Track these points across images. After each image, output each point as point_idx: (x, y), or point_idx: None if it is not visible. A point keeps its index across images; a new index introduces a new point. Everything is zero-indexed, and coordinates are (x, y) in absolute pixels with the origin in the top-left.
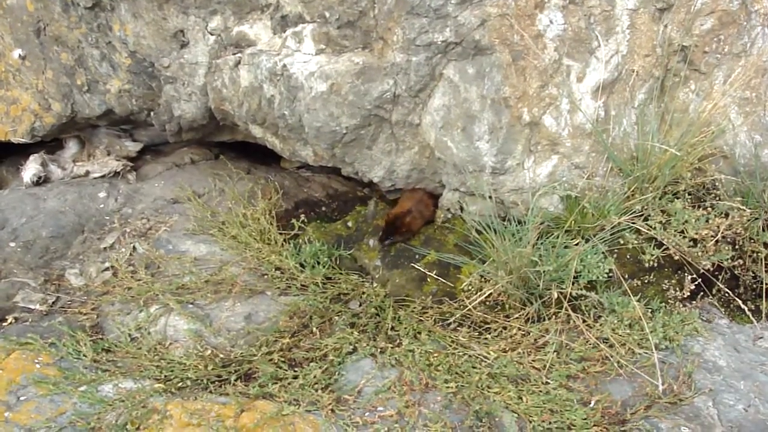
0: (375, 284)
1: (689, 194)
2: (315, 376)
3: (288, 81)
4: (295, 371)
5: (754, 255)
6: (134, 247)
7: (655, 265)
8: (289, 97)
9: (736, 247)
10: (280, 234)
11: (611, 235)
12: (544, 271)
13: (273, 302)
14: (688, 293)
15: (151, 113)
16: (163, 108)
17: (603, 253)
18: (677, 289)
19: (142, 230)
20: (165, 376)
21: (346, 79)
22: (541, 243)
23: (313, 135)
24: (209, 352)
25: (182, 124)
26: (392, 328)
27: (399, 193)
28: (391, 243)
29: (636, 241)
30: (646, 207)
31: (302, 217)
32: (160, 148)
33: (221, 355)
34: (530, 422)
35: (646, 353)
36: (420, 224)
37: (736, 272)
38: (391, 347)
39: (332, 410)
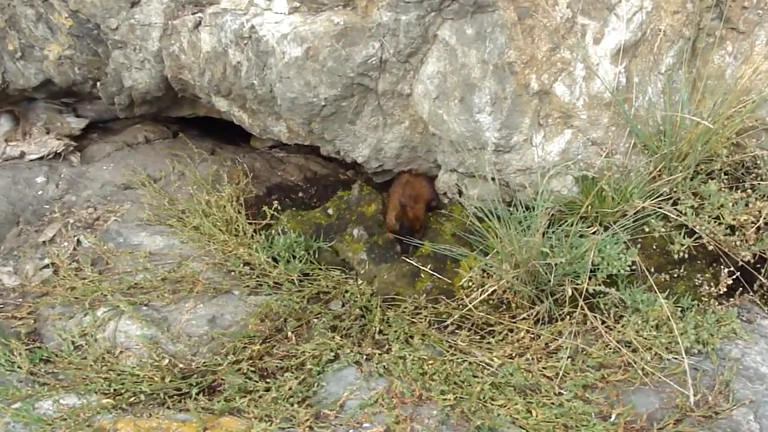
0: (360, 281)
1: (725, 174)
2: (290, 388)
3: (257, 45)
4: (267, 383)
5: None
6: (78, 241)
7: (686, 256)
8: (258, 63)
9: None
10: (250, 224)
11: (634, 221)
12: (556, 264)
13: (241, 303)
14: (725, 289)
15: (98, 84)
16: (112, 78)
17: (625, 242)
18: (712, 284)
19: (87, 221)
20: (114, 389)
21: (324, 42)
22: (553, 231)
23: (287, 108)
24: (167, 361)
25: (134, 96)
26: (380, 332)
27: (387, 176)
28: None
29: (663, 229)
30: (675, 189)
31: (275, 204)
32: (108, 125)
33: (181, 365)
34: None
35: (676, 359)
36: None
37: None
38: (379, 354)
39: (310, 427)
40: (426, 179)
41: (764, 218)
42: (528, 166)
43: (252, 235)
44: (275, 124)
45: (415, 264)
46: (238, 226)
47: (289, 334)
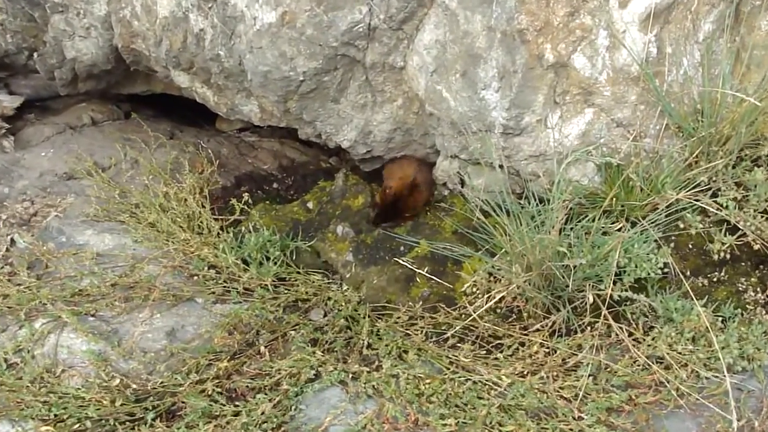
0: (345, 287)
1: None
2: (263, 413)
3: (223, 9)
4: (235, 406)
5: None
6: (12, 240)
7: (728, 257)
8: (225, 31)
9: None
10: (216, 220)
11: (667, 216)
12: (575, 267)
13: (205, 312)
14: None
15: (34, 55)
16: (51, 48)
17: (656, 241)
18: (758, 290)
19: (23, 217)
20: (55, 415)
21: (302, 5)
22: (571, 228)
23: (259, 84)
24: (117, 381)
25: (78, 69)
26: (369, 346)
27: (376, 163)
28: (391, 226)
29: (701, 225)
30: (714, 178)
31: (245, 196)
32: (48, 103)
33: (134, 386)
34: None
35: (716, 377)
36: (426, 200)
37: None
38: (368, 371)
39: None
40: (418, 161)
41: None
42: (542, 152)
43: (218, 233)
44: (245, 103)
45: (409, 266)
46: (201, 222)
47: (262, 348)
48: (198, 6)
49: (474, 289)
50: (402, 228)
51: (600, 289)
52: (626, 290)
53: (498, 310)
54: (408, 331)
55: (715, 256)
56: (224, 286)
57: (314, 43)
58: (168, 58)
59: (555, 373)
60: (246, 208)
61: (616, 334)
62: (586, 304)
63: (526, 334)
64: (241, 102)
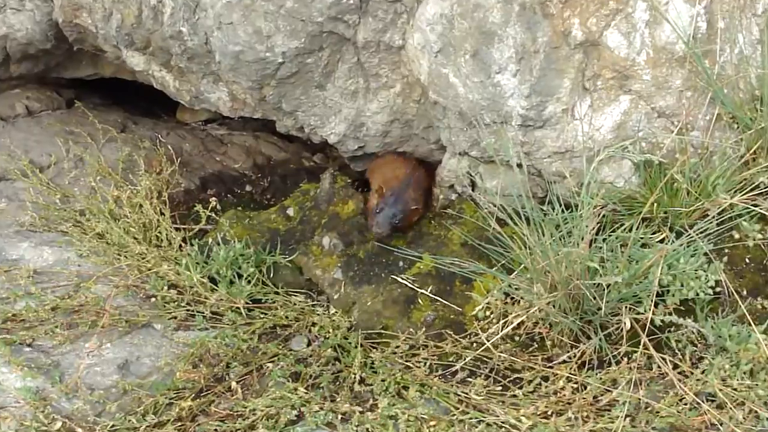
0: (333, 310)
1: None
2: None
3: None
4: None
5: None
6: None
7: None
8: (188, 3)
9: None
10: (177, 230)
11: (719, 225)
12: (608, 285)
13: (165, 341)
14: None
15: None
16: None
17: (706, 254)
18: None
19: None
20: None
21: None
22: (604, 239)
23: (229, 66)
24: (59, 425)
25: (10, 49)
26: (361, 381)
27: (368, 162)
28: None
29: (760, 236)
30: None
31: (213, 201)
32: None
33: (79, 430)
34: None
35: None
36: (419, 214)
37: None
38: (360, 412)
39: None
40: (416, 161)
41: None
42: (568, 148)
43: (180, 246)
44: (212, 90)
45: (410, 285)
46: (160, 232)
47: (234, 384)
48: None
49: (487, 313)
50: (401, 239)
51: (639, 313)
52: (670, 314)
53: (516, 338)
54: (408, 363)
55: None
56: (188, 310)
57: (296, 18)
58: (119, 35)
59: (585, 414)
60: (213, 215)
61: (659, 367)
62: (622, 330)
63: (550, 367)
64: (207, 88)
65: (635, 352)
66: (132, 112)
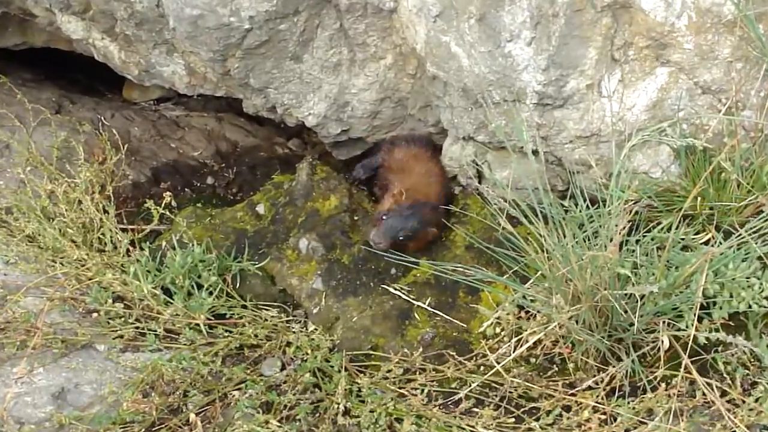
0: (312, 327)
1: None
2: None
3: None
4: None
5: None
6: None
7: None
8: None
9: None
10: (124, 231)
11: None
12: (642, 297)
13: (110, 365)
14: None
15: None
16: None
17: (759, 258)
18: None
19: None
20: None
21: None
22: (637, 241)
23: (186, 34)
24: None
25: None
26: (346, 412)
27: (356, 148)
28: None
29: None
30: None
31: (167, 196)
32: None
33: None
34: None
35: None
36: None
37: None
38: None
39: None
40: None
41: None
42: (594, 131)
43: (127, 251)
44: (166, 62)
45: (404, 296)
46: (103, 234)
47: (192, 417)
48: None
49: (497, 330)
50: None
51: (679, 329)
52: (717, 330)
53: (532, 360)
54: (403, 391)
55: None
56: (137, 327)
57: None
58: None
59: None
60: (168, 213)
61: (703, 394)
62: (658, 350)
63: (572, 394)
64: (159, 61)
65: (675, 376)
66: (69, 90)
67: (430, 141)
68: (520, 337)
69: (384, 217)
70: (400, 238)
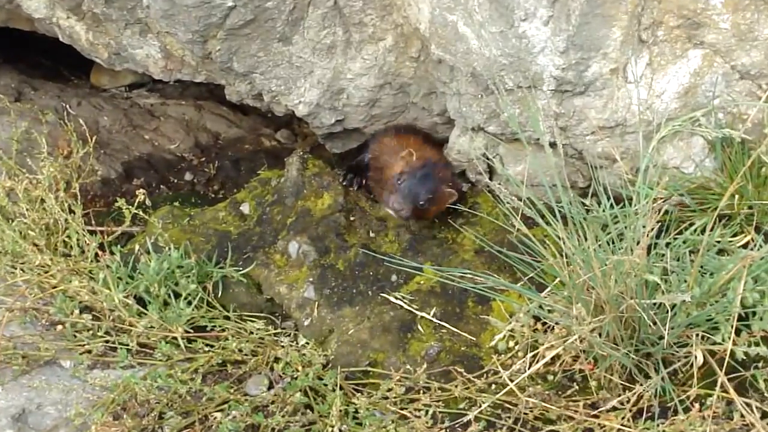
0: (303, 340)
1: None
2: None
3: None
4: None
5: None
6: None
7: None
8: None
9: None
10: (92, 233)
11: None
12: (673, 306)
13: (77, 383)
14: None
15: None
16: None
17: None
18: None
19: None
20: None
21: None
22: (667, 243)
23: (162, 12)
24: None
25: None
26: None
27: (352, 141)
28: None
29: None
30: None
31: (140, 194)
32: None
33: None
34: None
35: None
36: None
37: None
38: None
39: None
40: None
41: None
42: (619, 121)
43: (96, 255)
44: (139, 44)
45: (406, 306)
46: (69, 237)
47: None
48: None
49: (511, 344)
50: (394, 244)
51: (714, 343)
52: (757, 344)
53: (550, 377)
54: (405, 412)
55: None
56: (107, 341)
57: None
58: None
59: None
60: (141, 213)
61: (742, 416)
62: (691, 366)
63: (595, 416)
64: (132, 42)
65: (710, 395)
66: (30, 75)
67: (419, 129)
68: (536, 351)
69: (399, 182)
70: (421, 203)
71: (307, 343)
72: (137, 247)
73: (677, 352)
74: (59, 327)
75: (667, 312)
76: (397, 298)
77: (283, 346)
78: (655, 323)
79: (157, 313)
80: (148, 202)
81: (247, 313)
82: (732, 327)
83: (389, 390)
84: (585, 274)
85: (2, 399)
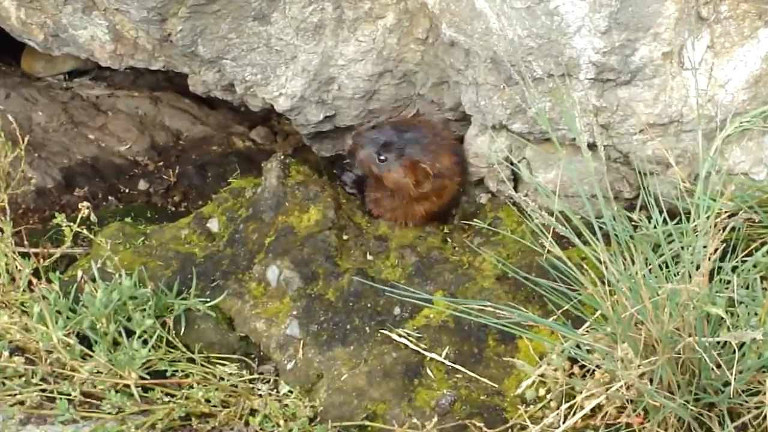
0: (286, 388)
1: None
2: None
3: None
4: None
5: None
6: None
7: None
8: None
9: None
10: (25, 256)
11: None
12: (742, 345)
13: None
14: None
15: None
16: None
17: None
18: None
19: None
20: None
21: None
22: (734, 268)
23: None
24: None
25: None
26: None
27: (342, 141)
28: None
29: None
30: None
31: (84, 207)
32: None
33: None
34: None
35: None
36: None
37: None
38: None
39: None
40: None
41: None
42: (673, 117)
43: (30, 284)
44: (83, 24)
45: (412, 346)
46: None
47: None
48: None
49: (541, 392)
50: (396, 269)
51: None
52: None
53: (591, 431)
54: None
55: None
56: (43, 390)
57: None
58: None
59: None
60: (85, 231)
61: None
62: (764, 418)
63: None
64: (73, 21)
65: None
66: None
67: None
68: (572, 401)
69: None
70: (382, 158)
71: (291, 392)
72: (80, 273)
73: (747, 401)
74: None
75: (734, 352)
76: (401, 336)
77: (260, 395)
78: (719, 366)
79: (105, 355)
80: (93, 217)
81: (216, 355)
82: None
83: None
84: (632, 306)
85: None
